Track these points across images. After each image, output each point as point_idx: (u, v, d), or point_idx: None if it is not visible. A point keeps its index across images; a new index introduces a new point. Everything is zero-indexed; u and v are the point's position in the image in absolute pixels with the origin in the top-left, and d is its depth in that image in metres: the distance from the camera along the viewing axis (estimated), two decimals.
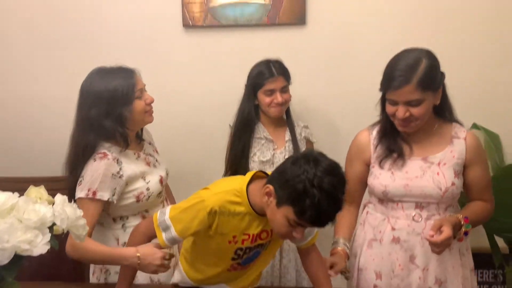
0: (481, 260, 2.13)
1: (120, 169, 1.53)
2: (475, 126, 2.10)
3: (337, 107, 2.19)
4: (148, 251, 1.38)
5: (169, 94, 2.19)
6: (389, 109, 1.45)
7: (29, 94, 2.23)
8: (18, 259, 1.05)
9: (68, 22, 2.17)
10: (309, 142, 1.98)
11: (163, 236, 1.34)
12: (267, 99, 1.87)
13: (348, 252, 1.51)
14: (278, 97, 1.86)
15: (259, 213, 1.31)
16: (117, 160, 1.53)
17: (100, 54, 1.99)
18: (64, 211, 1.13)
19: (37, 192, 1.19)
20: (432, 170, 1.47)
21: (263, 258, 1.46)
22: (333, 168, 1.21)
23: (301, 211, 1.18)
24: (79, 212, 1.19)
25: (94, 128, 1.52)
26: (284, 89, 1.88)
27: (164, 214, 1.35)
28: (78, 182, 1.51)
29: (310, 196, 1.15)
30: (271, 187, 1.24)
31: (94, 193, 1.48)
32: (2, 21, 2.20)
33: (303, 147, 1.94)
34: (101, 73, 1.56)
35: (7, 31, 2.20)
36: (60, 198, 1.16)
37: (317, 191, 1.15)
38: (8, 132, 2.25)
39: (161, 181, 1.64)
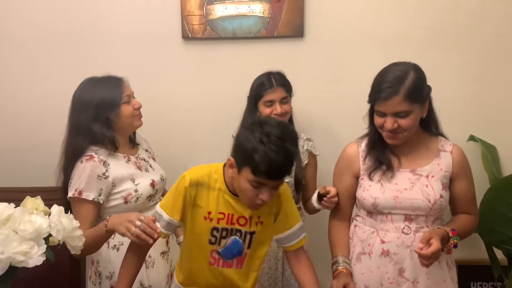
0: (480, 273, 2.13)
1: (107, 170, 1.59)
2: (472, 138, 2.10)
3: (336, 119, 2.18)
4: (120, 214, 1.44)
5: (168, 105, 2.20)
6: (378, 120, 1.47)
7: (26, 101, 2.23)
8: (13, 271, 1.05)
9: (66, 34, 2.18)
10: (311, 154, 1.94)
11: (158, 225, 1.40)
12: (267, 110, 1.87)
13: (350, 270, 1.51)
14: (278, 108, 1.85)
15: (235, 194, 1.38)
16: (104, 162, 1.60)
17: (99, 64, 2.00)
18: (60, 222, 1.14)
19: (34, 203, 1.20)
20: (421, 182, 1.48)
21: (249, 260, 1.45)
22: (279, 124, 1.30)
23: (255, 168, 1.25)
24: (75, 223, 1.20)
25: (83, 132, 1.60)
26: (284, 100, 1.88)
27: (156, 207, 1.45)
28: (68, 184, 1.58)
29: (258, 151, 1.24)
30: (231, 158, 1.33)
31: (80, 193, 1.54)
32: (2, 21, 2.20)
33: (305, 160, 1.92)
34: (90, 82, 1.66)
35: (8, 32, 2.20)
36: (56, 209, 1.17)
37: (264, 145, 1.24)
38: (3, 141, 2.24)
39: (152, 184, 1.67)
